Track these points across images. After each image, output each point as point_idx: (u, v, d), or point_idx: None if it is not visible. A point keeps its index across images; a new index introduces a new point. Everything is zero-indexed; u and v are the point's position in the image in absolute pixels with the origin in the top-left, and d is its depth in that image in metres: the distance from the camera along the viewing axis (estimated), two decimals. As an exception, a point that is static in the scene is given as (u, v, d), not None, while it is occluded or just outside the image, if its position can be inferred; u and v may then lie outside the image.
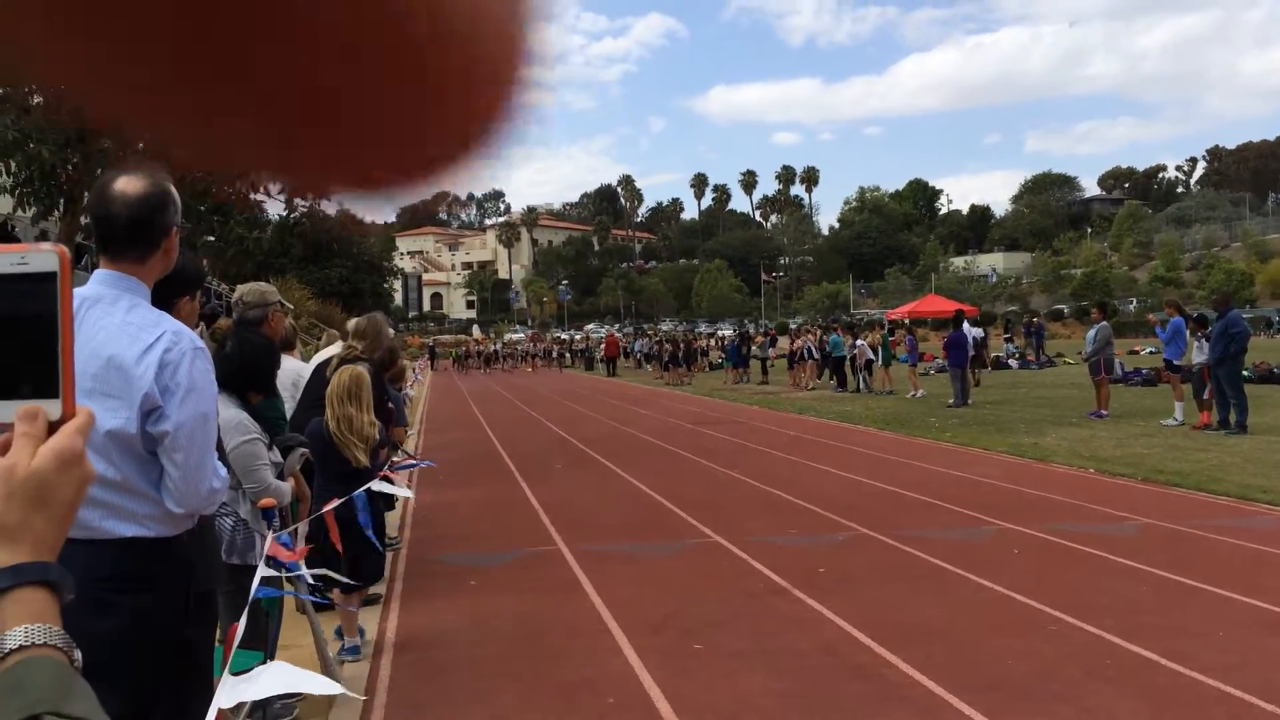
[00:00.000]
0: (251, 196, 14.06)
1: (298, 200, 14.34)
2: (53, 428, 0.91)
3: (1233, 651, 5.36)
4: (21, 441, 0.90)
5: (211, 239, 12.81)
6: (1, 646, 0.86)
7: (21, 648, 0.86)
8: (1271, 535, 8.15)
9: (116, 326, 2.65)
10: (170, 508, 2.69)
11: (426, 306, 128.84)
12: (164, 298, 3.17)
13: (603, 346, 50.83)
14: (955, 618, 6.14)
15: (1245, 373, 17.05)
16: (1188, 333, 16.10)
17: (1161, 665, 5.17)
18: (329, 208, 14.95)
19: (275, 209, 14.93)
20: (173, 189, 2.80)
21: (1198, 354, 15.55)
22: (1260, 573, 6.99)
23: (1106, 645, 5.51)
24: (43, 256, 0.93)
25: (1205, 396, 15.49)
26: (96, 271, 2.85)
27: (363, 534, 5.60)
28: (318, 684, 2.96)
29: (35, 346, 0.91)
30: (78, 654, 0.89)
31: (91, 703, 0.84)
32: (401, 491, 6.11)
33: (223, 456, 3.21)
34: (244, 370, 4.59)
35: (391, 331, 7.16)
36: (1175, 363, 16.49)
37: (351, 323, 7.21)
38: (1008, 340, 38.66)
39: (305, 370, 6.86)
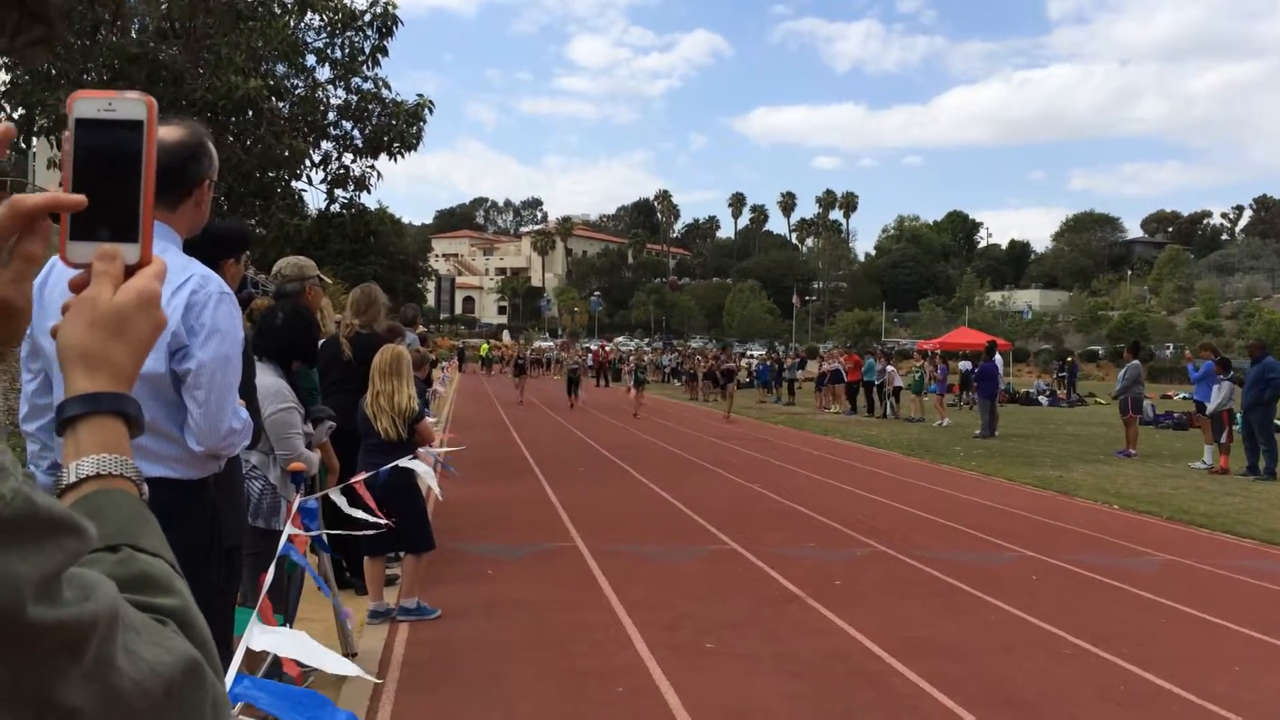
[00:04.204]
0: (293, 184, 14.25)
1: (338, 190, 14.46)
2: (129, 273, 0.94)
3: (1246, 686, 5.31)
4: (101, 279, 0.92)
5: (252, 222, 12.97)
6: (78, 472, 0.88)
7: (97, 476, 0.88)
8: (1295, 579, 8.06)
9: None
10: (192, 446, 2.74)
11: (458, 309, 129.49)
12: (209, 259, 3.24)
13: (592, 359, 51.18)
14: (969, 636, 6.12)
15: (1278, 422, 16.86)
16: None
17: (1175, 694, 5.14)
18: (369, 200, 15.03)
19: (315, 200, 15.08)
20: (209, 142, 2.84)
21: (1216, 395, 15.43)
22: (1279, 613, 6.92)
23: (1121, 672, 5.48)
24: (130, 105, 0.94)
25: (1223, 440, 15.35)
26: None
27: (421, 503, 5.92)
28: (335, 662, 2.93)
29: (118, 192, 0.93)
30: (145, 488, 0.93)
31: (161, 539, 0.87)
32: (424, 469, 6.16)
33: (252, 409, 3.26)
34: (290, 337, 4.67)
35: (385, 298, 7.26)
36: (1205, 404, 16.33)
37: (349, 296, 7.33)
38: (1061, 376, 38.90)
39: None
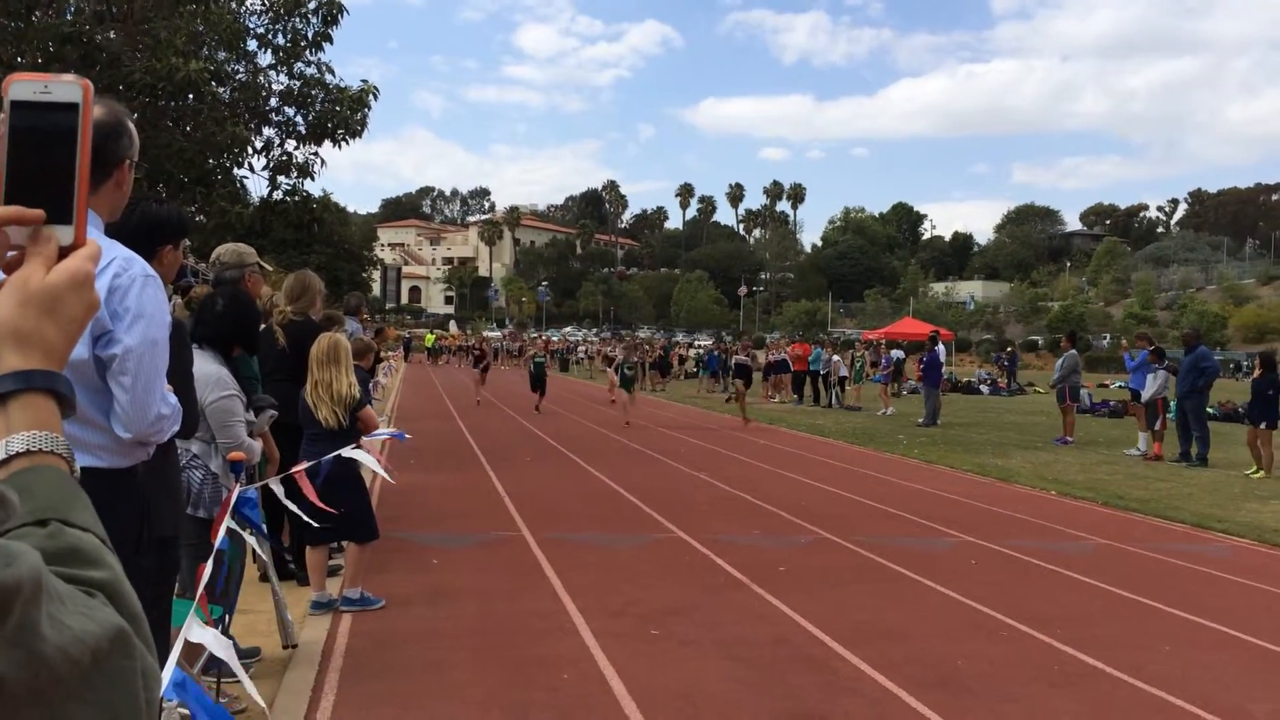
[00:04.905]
0: (235, 171, 14.01)
1: (281, 178, 14.26)
2: (63, 254, 0.94)
3: (1177, 665, 5.47)
4: (34, 260, 0.92)
5: (192, 209, 12.73)
6: (7, 449, 0.88)
7: (28, 452, 0.89)
8: (1222, 561, 8.30)
9: None
10: (119, 433, 2.67)
11: (404, 299, 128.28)
12: (147, 247, 3.17)
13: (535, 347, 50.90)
14: (910, 619, 6.23)
15: (1210, 410, 17.31)
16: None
17: (1107, 673, 5.27)
18: (313, 188, 14.81)
19: (258, 187, 14.84)
20: (129, 121, 2.76)
21: (1150, 383, 15.83)
22: (1209, 595, 7.13)
23: (1055, 653, 5.61)
24: (66, 87, 0.94)
25: (1157, 428, 15.75)
26: None
27: (364, 493, 5.86)
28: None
29: (52, 175, 0.93)
30: (78, 466, 0.93)
31: (92, 515, 0.87)
32: (370, 461, 6.10)
33: (185, 396, 3.21)
34: (231, 324, 4.61)
35: (321, 285, 7.13)
36: (1140, 392, 16.74)
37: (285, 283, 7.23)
38: (1002, 365, 39.65)
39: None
